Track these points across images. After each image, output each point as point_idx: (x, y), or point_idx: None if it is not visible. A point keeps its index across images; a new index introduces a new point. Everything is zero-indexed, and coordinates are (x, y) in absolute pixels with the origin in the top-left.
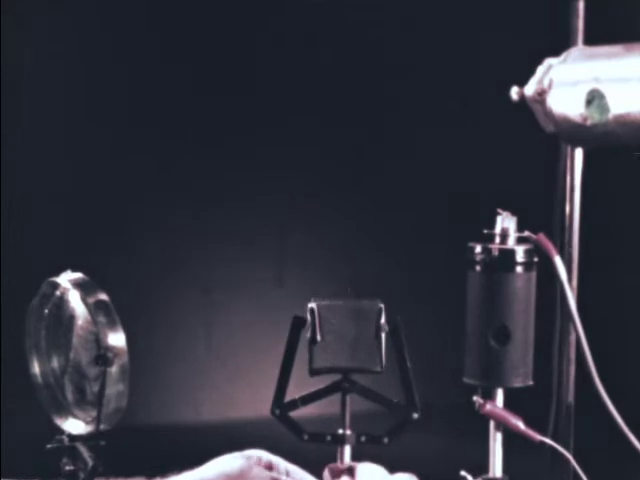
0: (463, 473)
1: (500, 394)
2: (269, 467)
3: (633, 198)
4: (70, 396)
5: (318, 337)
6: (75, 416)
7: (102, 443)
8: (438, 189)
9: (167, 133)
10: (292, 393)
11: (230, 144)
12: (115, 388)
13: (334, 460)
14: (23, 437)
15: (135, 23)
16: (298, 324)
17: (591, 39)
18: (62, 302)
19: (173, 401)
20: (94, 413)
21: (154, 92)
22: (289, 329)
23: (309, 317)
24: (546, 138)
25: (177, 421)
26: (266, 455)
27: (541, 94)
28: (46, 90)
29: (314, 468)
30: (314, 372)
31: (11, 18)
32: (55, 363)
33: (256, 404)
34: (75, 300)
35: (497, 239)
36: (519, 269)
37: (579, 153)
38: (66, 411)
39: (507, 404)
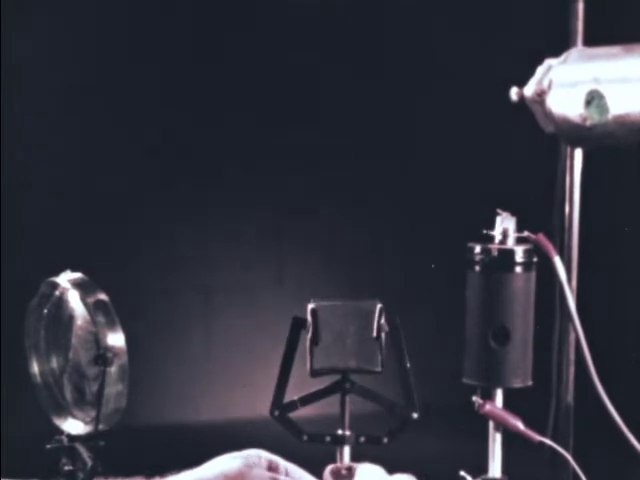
0: (462, 473)
1: (499, 394)
2: (268, 466)
3: (633, 198)
4: (69, 396)
5: (318, 338)
6: (74, 416)
7: (101, 443)
8: (438, 189)
9: (167, 133)
10: (291, 394)
11: (230, 145)
12: (114, 388)
13: (334, 460)
14: (23, 437)
15: (135, 23)
16: (298, 325)
17: (591, 40)
18: (61, 302)
19: (172, 401)
20: (93, 413)
21: (154, 92)
22: (289, 330)
23: (309, 318)
24: (546, 138)
25: (176, 421)
26: (265, 454)
27: (541, 95)
28: (46, 90)
29: (314, 468)
30: (314, 373)
31: (11, 18)
32: (54, 363)
33: (255, 404)
34: (74, 300)
35: (496, 239)
36: (518, 269)
37: (579, 153)
38: (65, 411)
39: (506, 404)
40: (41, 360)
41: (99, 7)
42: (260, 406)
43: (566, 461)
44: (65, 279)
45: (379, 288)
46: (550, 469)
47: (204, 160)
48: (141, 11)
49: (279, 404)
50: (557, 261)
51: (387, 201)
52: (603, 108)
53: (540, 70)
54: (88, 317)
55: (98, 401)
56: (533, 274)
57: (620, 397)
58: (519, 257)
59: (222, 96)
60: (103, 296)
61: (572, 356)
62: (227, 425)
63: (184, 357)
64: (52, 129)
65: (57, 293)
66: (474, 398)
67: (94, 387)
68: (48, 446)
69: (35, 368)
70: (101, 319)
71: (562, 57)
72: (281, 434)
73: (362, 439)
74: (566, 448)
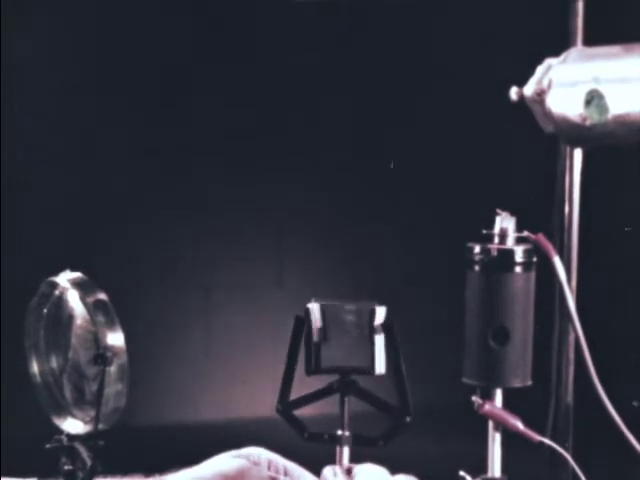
0: (462, 473)
1: (499, 394)
2: (268, 465)
3: (633, 198)
4: (69, 396)
5: (316, 337)
6: (74, 416)
7: (101, 443)
8: (438, 189)
9: (167, 134)
10: (291, 390)
11: (230, 145)
12: (114, 388)
13: (333, 460)
14: (23, 437)
15: (135, 23)
16: (300, 323)
17: (591, 39)
18: (61, 302)
19: (172, 401)
20: (93, 413)
21: (155, 93)
22: (292, 328)
23: (311, 317)
24: (546, 138)
25: (176, 421)
26: (265, 453)
27: (540, 94)
28: (46, 90)
29: (314, 468)
30: (311, 372)
31: (11, 18)
32: (54, 363)
33: (255, 404)
34: (74, 300)
35: (496, 239)
36: (518, 269)
37: (578, 153)
38: (65, 411)
39: (506, 404)
40: (41, 360)
41: (99, 7)
42: (260, 405)
43: (565, 461)
44: (65, 279)
45: (379, 288)
46: (549, 469)
47: (204, 160)
48: (141, 11)
49: (284, 400)
50: (557, 261)
51: (387, 201)
52: (603, 108)
53: (540, 70)
54: (88, 317)
55: (98, 401)
56: (533, 274)
57: (620, 397)
58: (519, 257)
59: (222, 96)
60: (103, 296)
61: (572, 356)
62: (227, 424)
63: (184, 357)
64: (52, 129)
65: (57, 293)
66: (474, 398)
67: (94, 387)
68: (48, 446)
69: (35, 368)
70: (101, 319)
71: (562, 57)
72: (281, 433)
73: (359, 440)
74: (565, 448)
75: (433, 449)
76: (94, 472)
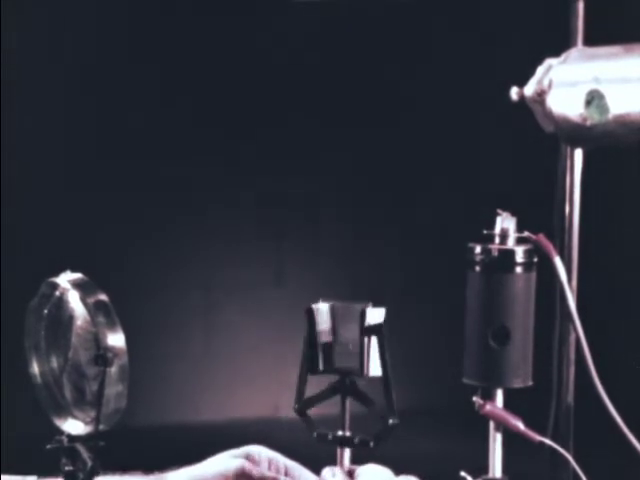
0: (463, 474)
1: (500, 395)
2: (268, 464)
3: (633, 198)
4: (69, 396)
5: (325, 338)
6: (74, 416)
7: (101, 443)
8: (438, 189)
9: (168, 134)
10: (291, 392)
11: (231, 146)
12: (114, 388)
13: (334, 460)
14: (23, 437)
15: (135, 23)
16: (312, 318)
17: (591, 39)
18: (61, 302)
19: (173, 401)
20: (93, 413)
21: (154, 92)
22: (307, 324)
23: (316, 317)
24: (546, 138)
25: (177, 421)
26: (265, 451)
27: (541, 94)
28: (46, 90)
29: (314, 468)
30: (317, 373)
31: (11, 18)
32: (54, 363)
33: (255, 404)
34: (74, 300)
35: (497, 239)
36: (519, 269)
37: (579, 153)
38: (65, 411)
39: (507, 405)
40: (41, 360)
41: (99, 7)
42: (260, 405)
43: (566, 461)
44: (65, 279)
45: (379, 288)
46: (550, 469)
47: (204, 160)
48: (141, 11)
49: (301, 400)
50: (557, 261)
51: (387, 201)
52: (603, 108)
53: (540, 70)
54: (88, 317)
55: (98, 401)
56: (533, 274)
57: (621, 397)
58: (519, 257)
59: (222, 96)
60: (103, 296)
61: (572, 356)
62: (227, 424)
63: (184, 357)
64: (52, 129)
65: (57, 293)
66: (475, 398)
67: (94, 387)
68: (48, 446)
69: (35, 368)
70: (101, 319)
71: (562, 57)
72: (281, 433)
73: (356, 440)
74: (566, 448)
75: (433, 449)
76: (94, 473)
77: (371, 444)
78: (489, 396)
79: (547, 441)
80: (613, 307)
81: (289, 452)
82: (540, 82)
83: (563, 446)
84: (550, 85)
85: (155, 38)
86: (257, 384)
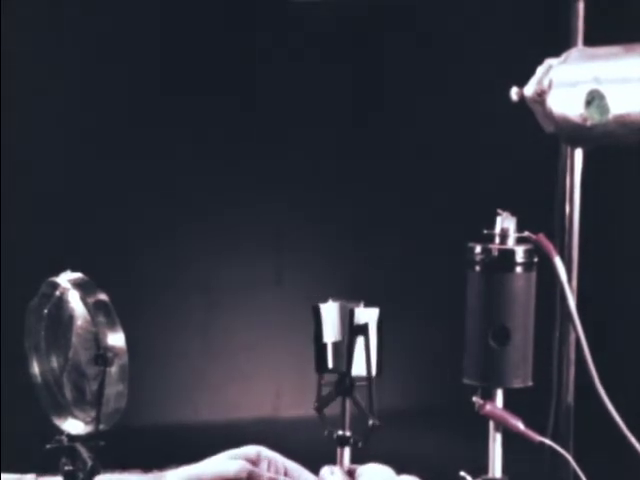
0: (462, 474)
1: (500, 395)
2: (267, 465)
3: (633, 198)
4: (69, 396)
5: (334, 337)
6: (74, 416)
7: (101, 443)
8: (438, 189)
9: (168, 135)
10: (290, 391)
11: (230, 146)
12: (114, 388)
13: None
14: (22, 437)
15: (135, 23)
16: (319, 315)
17: (591, 39)
18: (62, 302)
19: (172, 401)
20: (93, 413)
21: (154, 92)
22: (313, 320)
23: (322, 316)
24: (546, 138)
25: (176, 421)
26: (264, 451)
27: (541, 94)
28: (46, 90)
29: (314, 468)
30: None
31: (11, 18)
32: (54, 363)
33: (255, 404)
34: (75, 300)
35: (497, 239)
36: (519, 269)
37: (579, 153)
38: (65, 411)
39: (507, 405)
40: (41, 360)
41: (99, 6)
42: (260, 405)
43: (566, 461)
44: (65, 279)
45: (379, 288)
46: (550, 469)
47: (204, 160)
48: (141, 11)
49: (319, 397)
50: (557, 261)
51: (387, 201)
52: (603, 108)
53: (540, 70)
54: (88, 317)
55: (98, 401)
56: (534, 274)
57: (621, 397)
58: (520, 257)
59: (222, 96)
60: (103, 296)
61: (572, 356)
62: (227, 424)
63: (184, 357)
64: (52, 129)
65: (57, 293)
66: (474, 398)
67: (94, 387)
68: (48, 446)
69: (35, 368)
70: (101, 319)
71: (562, 57)
72: (281, 433)
73: (351, 440)
74: (566, 448)
75: (434, 449)
76: (94, 472)
77: (359, 444)
78: (489, 396)
79: (547, 441)
80: (613, 307)
81: (288, 452)
82: (540, 82)
83: (563, 446)
84: (550, 85)
85: (155, 38)
86: (256, 384)
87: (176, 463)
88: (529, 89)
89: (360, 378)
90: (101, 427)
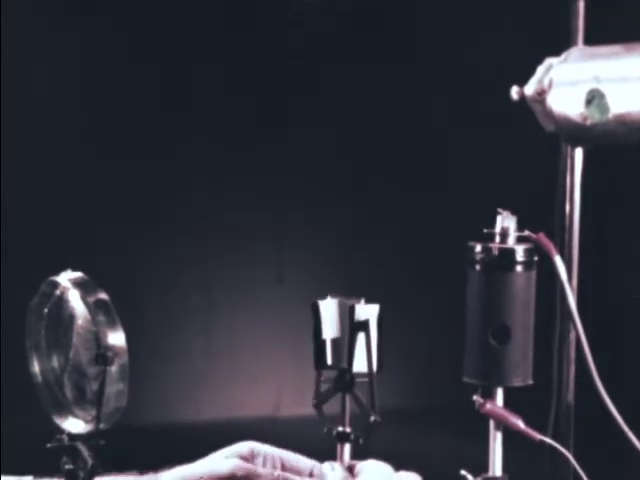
0: (463, 472)
1: (500, 393)
2: (263, 460)
3: (633, 198)
4: (70, 395)
5: (334, 334)
6: (75, 415)
7: (102, 442)
8: (438, 188)
9: (167, 134)
10: (291, 390)
11: (230, 145)
12: (115, 387)
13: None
14: (23, 436)
15: (134, 24)
16: (317, 312)
17: (591, 39)
18: (62, 301)
19: (173, 400)
20: (94, 412)
21: (154, 93)
22: (312, 317)
23: (321, 313)
24: (546, 138)
25: (177, 420)
26: (258, 447)
27: (541, 94)
28: (46, 90)
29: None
30: (326, 368)
31: (11, 18)
32: (55, 362)
33: (255, 403)
34: (75, 299)
35: (497, 238)
36: (519, 268)
37: (579, 153)
38: (66, 410)
39: (507, 403)
40: (42, 359)
41: (99, 7)
42: (261, 404)
43: (567, 460)
44: (66, 278)
45: (379, 287)
46: (550, 468)
47: (204, 160)
48: (142, 11)
49: (317, 393)
50: (558, 260)
51: (387, 200)
52: (604, 107)
53: (540, 69)
54: (89, 316)
55: (99, 400)
56: (534, 273)
57: (621, 396)
58: (520, 256)
59: (222, 96)
60: (104, 295)
61: (573, 355)
62: (227, 423)
63: (185, 356)
64: (52, 129)
65: (58, 292)
66: (475, 397)
67: (95, 386)
68: (49, 445)
69: (36, 367)
70: (102, 318)
71: (563, 56)
72: (281, 433)
73: (352, 437)
74: (566, 447)
75: (434, 448)
76: (95, 472)
77: (360, 441)
78: (489, 395)
79: (547, 440)
80: (613, 307)
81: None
82: (540, 81)
83: (563, 445)
84: (550, 84)
85: (155, 38)
86: (257, 383)
87: (176, 462)
88: (529, 88)
89: (360, 374)
90: (102, 426)
